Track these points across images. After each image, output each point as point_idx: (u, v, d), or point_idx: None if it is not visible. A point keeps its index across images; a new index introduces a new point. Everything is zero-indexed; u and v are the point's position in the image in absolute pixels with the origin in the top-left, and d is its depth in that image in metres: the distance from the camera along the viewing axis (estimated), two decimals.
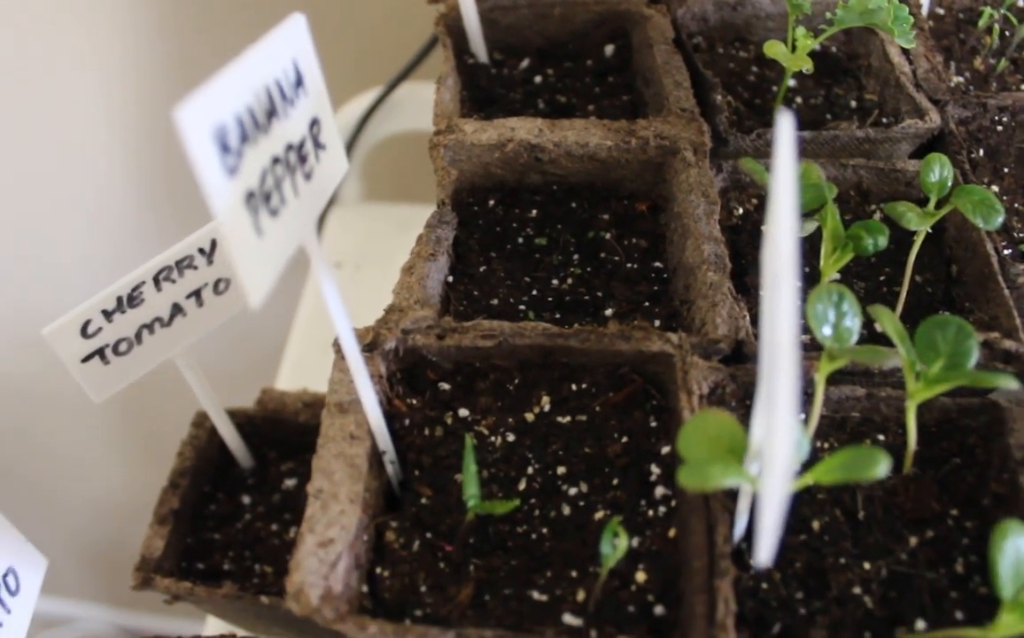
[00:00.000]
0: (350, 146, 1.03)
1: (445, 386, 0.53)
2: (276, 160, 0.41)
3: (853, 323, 0.45)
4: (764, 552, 0.35)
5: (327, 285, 0.44)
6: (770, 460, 0.33)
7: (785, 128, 0.32)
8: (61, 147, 1.35)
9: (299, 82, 0.43)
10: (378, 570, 0.47)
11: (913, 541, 0.49)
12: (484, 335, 0.52)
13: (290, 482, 0.76)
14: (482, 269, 0.59)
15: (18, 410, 1.80)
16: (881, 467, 0.38)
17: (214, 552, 0.73)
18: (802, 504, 0.49)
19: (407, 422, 0.51)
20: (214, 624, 0.88)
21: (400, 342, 0.52)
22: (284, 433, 0.77)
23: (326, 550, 0.44)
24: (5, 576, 0.56)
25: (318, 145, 0.44)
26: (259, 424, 0.77)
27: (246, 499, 0.76)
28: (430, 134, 0.98)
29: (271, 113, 0.41)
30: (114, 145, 1.31)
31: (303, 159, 0.43)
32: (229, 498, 0.76)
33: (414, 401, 0.52)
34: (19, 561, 0.56)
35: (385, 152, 1.04)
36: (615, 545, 0.44)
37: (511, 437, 0.51)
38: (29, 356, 1.64)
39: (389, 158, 1.04)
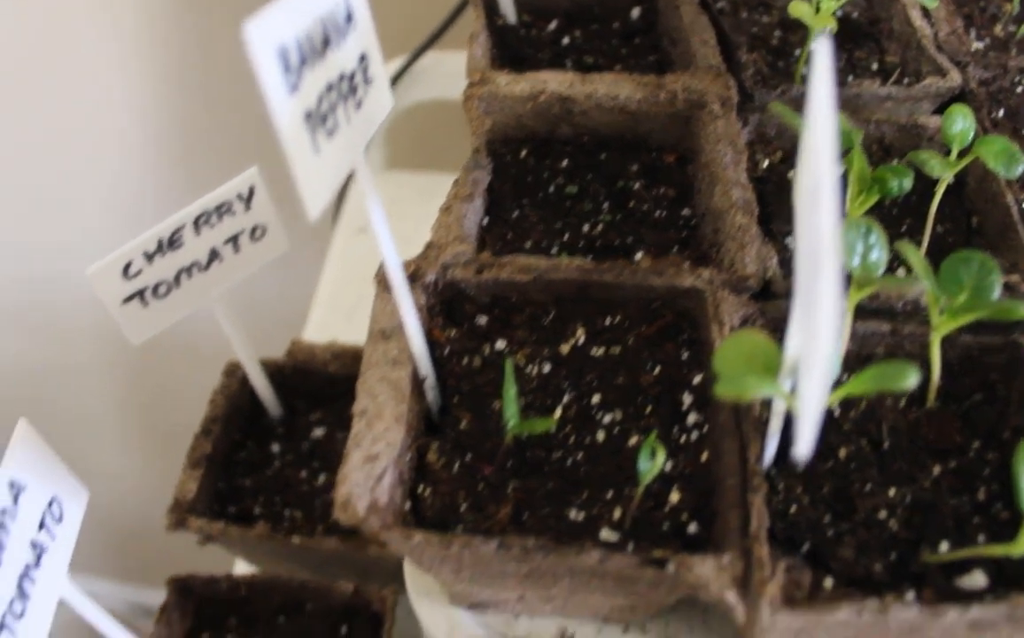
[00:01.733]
0: None
1: (482, 319, 0.55)
2: (330, 86, 0.42)
3: (880, 256, 0.47)
4: (804, 445, 0.37)
5: (375, 211, 0.46)
6: (813, 350, 0.34)
7: (823, 43, 0.34)
8: (85, 106, 1.36)
9: (349, 18, 0.45)
10: (420, 489, 0.49)
11: (936, 470, 0.50)
12: (521, 269, 0.54)
13: (319, 431, 0.78)
14: (515, 214, 0.61)
15: (33, 381, 1.82)
16: (911, 379, 0.40)
17: (245, 497, 0.75)
18: (829, 433, 0.51)
19: (446, 351, 0.53)
20: (242, 569, 0.90)
21: (439, 275, 0.54)
22: (313, 384, 0.79)
23: (372, 464, 0.46)
24: (51, 504, 0.58)
25: (367, 79, 0.46)
26: (288, 374, 0.79)
27: (275, 447, 0.78)
28: (455, 103, 1.00)
29: (326, 42, 0.42)
30: (135, 105, 1.32)
31: (354, 89, 0.45)
32: (259, 446, 0.78)
33: (452, 332, 0.54)
34: (63, 491, 0.58)
35: (409, 121, 1.06)
36: (653, 460, 0.46)
37: (547, 368, 0.53)
38: (50, 320, 1.65)
39: (413, 127, 1.06)
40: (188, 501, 0.72)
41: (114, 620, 0.61)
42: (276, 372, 0.78)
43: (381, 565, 0.70)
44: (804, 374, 0.36)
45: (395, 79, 1.02)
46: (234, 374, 0.78)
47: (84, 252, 1.53)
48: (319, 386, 0.79)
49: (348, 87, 0.44)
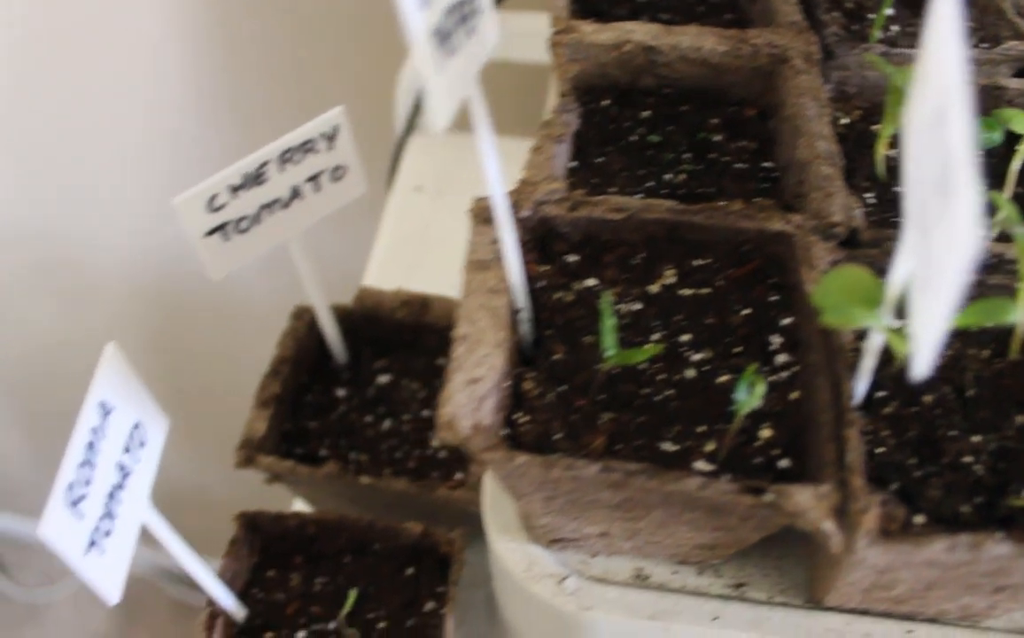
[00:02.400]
0: None
1: (572, 258, 0.56)
2: (451, 8, 0.43)
3: None
4: (923, 365, 0.37)
5: (484, 136, 0.47)
6: (944, 267, 0.35)
7: None
8: (119, 59, 1.37)
9: None
10: (516, 416, 0.50)
11: (1020, 420, 0.51)
12: (613, 208, 0.55)
13: (384, 378, 0.79)
14: (599, 160, 0.61)
15: (61, 339, 1.82)
16: (1013, 314, 0.41)
17: (310, 439, 0.76)
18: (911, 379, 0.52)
19: (540, 285, 0.54)
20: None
21: (533, 212, 0.55)
22: (379, 331, 0.80)
23: (474, 387, 0.47)
24: (135, 428, 0.59)
25: (478, 8, 0.47)
26: (356, 320, 0.80)
27: (341, 392, 0.79)
28: (515, 64, 1.01)
29: None
30: (175, 60, 1.33)
31: (469, 15, 0.46)
32: (325, 390, 0.79)
33: (544, 269, 0.55)
34: (146, 417, 0.59)
35: None
36: (751, 393, 0.47)
37: (637, 306, 0.54)
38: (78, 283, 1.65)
39: None
40: (257, 440, 0.73)
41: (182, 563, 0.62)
42: (344, 318, 0.79)
43: (448, 509, 0.71)
44: (925, 295, 0.37)
45: None
46: (302, 318, 0.79)
47: (115, 208, 1.54)
48: (385, 333, 0.81)
49: (465, 12, 0.45)
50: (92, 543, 0.55)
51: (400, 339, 0.81)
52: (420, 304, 0.79)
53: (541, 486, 0.49)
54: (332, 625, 0.71)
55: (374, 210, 1.16)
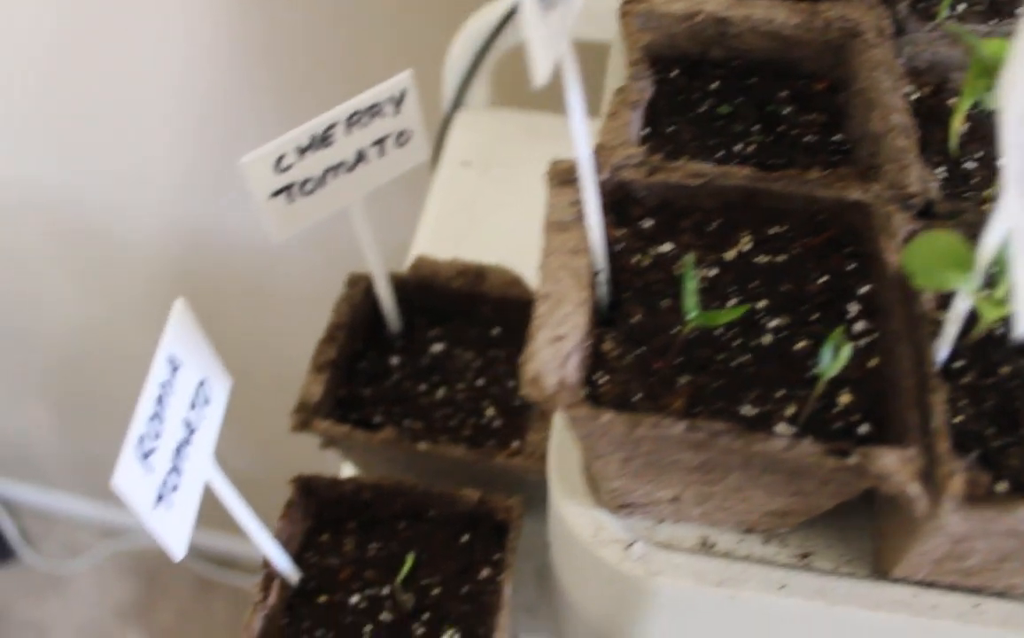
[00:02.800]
0: (483, 51, 1.05)
1: (648, 223, 0.56)
2: None
3: None
4: None
5: (574, 95, 0.47)
6: None
7: None
8: (153, 30, 1.37)
9: None
10: (596, 376, 0.50)
11: None
12: (691, 174, 0.55)
13: (437, 347, 0.79)
14: (670, 129, 0.61)
15: (90, 311, 1.83)
16: None
17: (365, 405, 0.76)
18: (990, 351, 0.52)
19: (617, 248, 0.54)
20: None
21: (610, 176, 0.55)
22: (434, 300, 0.80)
23: (558, 344, 0.47)
24: (201, 385, 0.59)
25: None
26: (411, 289, 0.80)
27: (395, 360, 0.79)
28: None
29: None
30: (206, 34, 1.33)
31: None
32: (378, 358, 0.79)
33: (620, 233, 0.55)
34: (211, 375, 0.60)
35: (515, 59, 1.06)
36: (837, 354, 0.47)
37: (713, 272, 0.54)
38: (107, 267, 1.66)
39: (518, 64, 1.07)
40: (312, 404, 0.74)
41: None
42: (399, 286, 0.80)
43: (503, 477, 0.72)
44: None
45: (507, 16, 1.03)
46: (357, 285, 0.80)
47: (142, 180, 1.54)
48: (440, 302, 0.81)
49: None
50: (160, 497, 0.55)
51: (454, 309, 0.81)
52: (476, 274, 0.79)
53: (621, 446, 0.49)
54: (386, 590, 0.71)
55: (416, 186, 1.16)
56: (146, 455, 0.54)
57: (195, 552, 2.44)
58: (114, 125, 1.53)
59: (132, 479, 0.52)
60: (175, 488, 0.57)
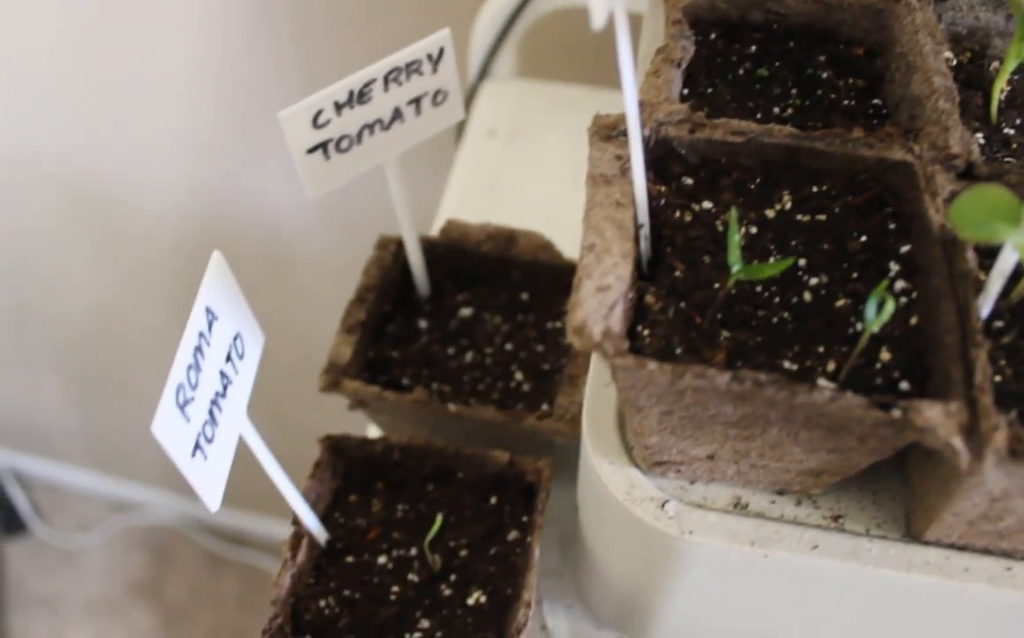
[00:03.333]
0: (511, 21, 1.05)
1: (689, 180, 0.56)
2: None
3: None
4: None
5: (624, 46, 0.47)
6: None
7: None
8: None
9: None
10: (639, 328, 0.50)
11: None
12: (734, 132, 0.55)
13: (466, 311, 0.80)
14: (709, 91, 0.61)
15: (106, 286, 1.83)
16: None
17: (393, 367, 0.76)
18: None
19: (659, 204, 0.54)
20: None
21: (653, 132, 0.55)
22: (463, 264, 0.80)
23: (604, 294, 0.47)
24: (235, 339, 0.59)
25: None
26: (440, 253, 0.80)
27: (423, 323, 0.79)
28: (588, 12, 1.01)
29: None
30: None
31: None
32: (407, 321, 0.79)
33: (662, 188, 0.55)
34: (245, 329, 0.60)
35: (541, 29, 1.07)
36: (881, 308, 0.47)
37: (753, 230, 0.54)
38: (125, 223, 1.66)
39: (544, 36, 1.07)
40: (342, 365, 0.74)
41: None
42: (428, 249, 0.80)
43: (532, 440, 0.72)
44: None
45: None
46: (387, 247, 0.80)
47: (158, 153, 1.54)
48: (469, 266, 0.81)
49: None
50: (197, 447, 0.55)
51: (483, 273, 0.81)
52: (507, 238, 0.79)
53: (662, 398, 0.49)
54: (413, 551, 0.72)
55: (440, 157, 1.16)
56: (184, 404, 0.54)
57: (205, 528, 2.45)
58: (131, 97, 1.53)
59: (171, 427, 0.52)
60: (210, 440, 0.57)
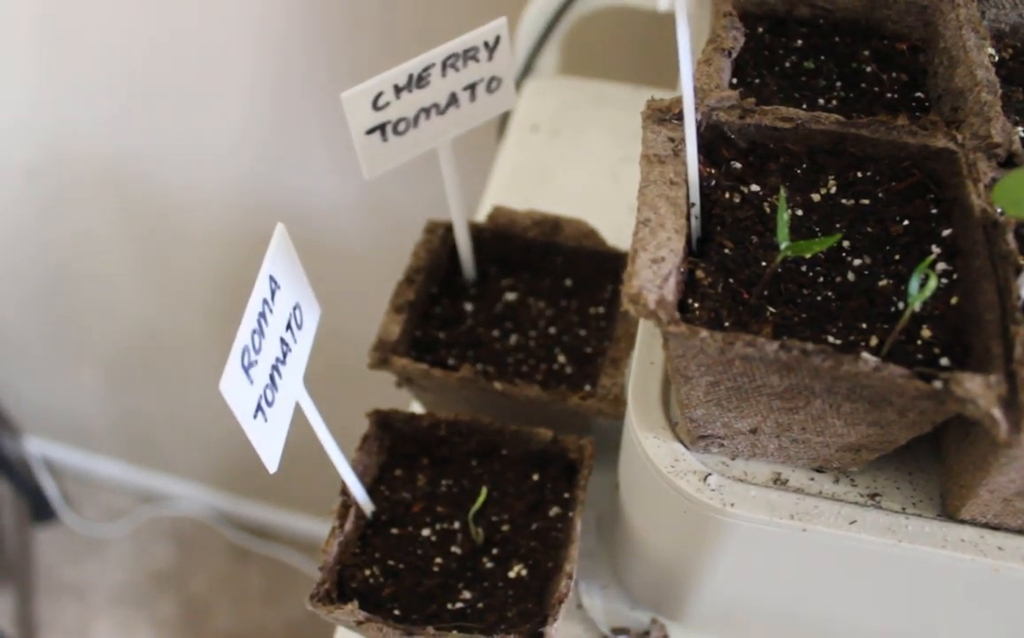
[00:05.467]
0: (556, 19, 1.08)
1: (737, 164, 0.58)
2: None
3: None
4: None
5: (682, 32, 0.49)
6: None
7: None
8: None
9: None
10: (689, 301, 0.52)
11: None
12: (782, 118, 0.57)
13: (511, 296, 0.82)
14: (756, 81, 0.64)
15: (148, 282, 1.86)
16: None
17: (439, 348, 0.79)
18: None
19: (710, 184, 0.56)
20: None
21: (704, 116, 0.57)
22: (509, 249, 0.82)
23: (658, 266, 0.50)
24: (295, 309, 0.61)
25: None
26: (487, 238, 0.82)
27: (468, 306, 0.81)
28: (634, 11, 1.03)
29: None
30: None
31: None
32: (452, 303, 0.81)
33: (712, 171, 0.57)
34: (304, 300, 0.62)
35: (585, 28, 1.09)
36: (925, 284, 0.49)
37: (799, 212, 0.56)
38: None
39: (587, 34, 1.09)
40: (391, 343, 0.76)
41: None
42: (475, 234, 0.82)
43: (575, 419, 0.74)
44: None
45: None
46: (435, 231, 0.82)
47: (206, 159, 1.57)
48: (515, 252, 0.83)
49: None
50: (258, 408, 0.57)
51: (528, 259, 0.83)
52: (552, 225, 0.81)
53: (711, 368, 0.51)
54: (456, 525, 0.74)
55: (482, 152, 1.19)
56: (248, 367, 0.56)
57: (230, 521, 2.48)
58: (180, 100, 1.56)
59: (237, 386, 0.55)
60: (270, 403, 0.59)
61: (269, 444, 0.59)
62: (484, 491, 0.72)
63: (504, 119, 1.14)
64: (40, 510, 2.47)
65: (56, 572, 2.46)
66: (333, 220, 1.60)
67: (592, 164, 1.07)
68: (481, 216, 1.02)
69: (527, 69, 1.13)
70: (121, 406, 2.36)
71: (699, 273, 0.53)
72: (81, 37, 1.51)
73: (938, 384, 0.47)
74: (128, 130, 1.63)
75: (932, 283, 0.49)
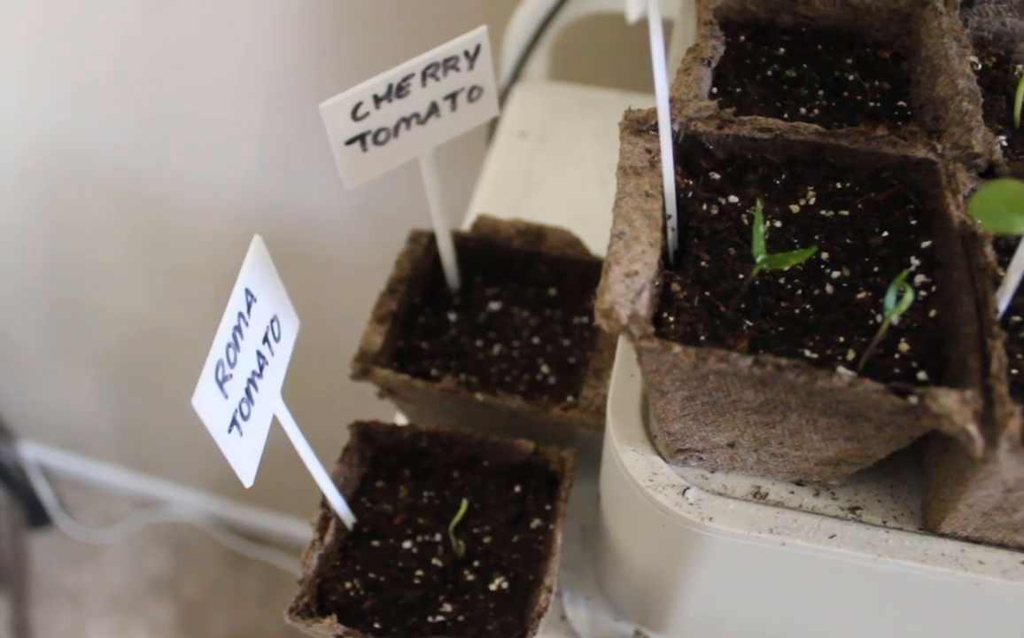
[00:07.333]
0: (544, 24, 1.07)
1: (716, 175, 0.58)
2: None
3: None
4: None
5: (656, 43, 0.48)
6: None
7: None
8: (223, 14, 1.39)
9: None
10: (664, 315, 0.52)
11: None
12: (761, 128, 0.57)
13: (494, 305, 0.81)
14: (738, 90, 0.63)
15: (145, 287, 1.85)
16: None
17: (422, 358, 0.78)
18: None
19: (686, 197, 0.56)
20: None
21: (682, 127, 0.57)
22: (493, 258, 0.82)
23: (631, 280, 0.49)
24: (273, 321, 0.61)
25: None
26: (471, 247, 0.82)
27: (452, 316, 0.81)
28: (622, 16, 1.03)
29: None
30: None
31: None
32: (437, 313, 0.81)
33: (689, 182, 0.57)
34: (281, 313, 0.62)
35: (573, 34, 1.08)
36: (900, 298, 0.48)
37: (778, 224, 0.56)
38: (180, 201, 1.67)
39: (576, 40, 1.09)
40: (373, 353, 0.76)
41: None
42: (459, 243, 0.81)
43: (557, 430, 0.73)
44: None
45: None
46: (418, 241, 0.82)
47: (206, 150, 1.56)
48: (498, 261, 0.82)
49: None
50: (233, 422, 0.57)
51: (512, 268, 0.83)
52: (536, 234, 0.81)
53: (686, 382, 0.50)
54: (438, 537, 0.73)
55: (470, 159, 1.18)
56: (222, 381, 0.56)
57: (226, 526, 2.47)
58: (181, 98, 1.56)
59: (210, 401, 0.54)
60: (246, 417, 0.59)
61: (244, 458, 0.59)
62: (464, 503, 0.72)
63: (494, 124, 1.14)
64: (35, 515, 2.46)
65: (51, 577, 2.45)
66: (333, 225, 1.59)
67: (581, 170, 1.06)
68: (469, 222, 1.02)
69: (516, 75, 1.12)
70: (116, 411, 2.35)
71: (675, 286, 0.53)
72: (77, 39, 1.51)
73: (913, 399, 0.46)
74: (124, 134, 1.63)
75: (908, 297, 0.48)
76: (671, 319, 0.52)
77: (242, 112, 1.51)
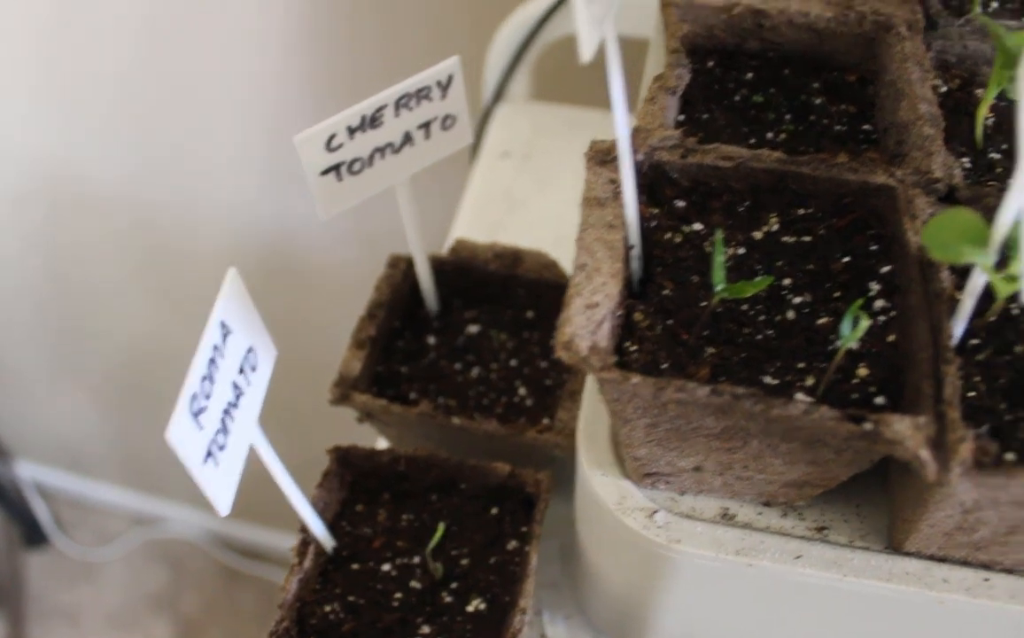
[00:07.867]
0: (527, 44, 1.08)
1: (680, 203, 0.59)
2: None
3: None
4: None
5: (615, 76, 0.49)
6: None
7: None
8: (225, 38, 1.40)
9: None
10: (626, 345, 0.52)
11: None
12: (724, 156, 0.58)
13: (473, 328, 0.82)
14: (705, 116, 0.64)
15: (142, 306, 1.86)
16: None
17: (401, 382, 0.79)
18: (1006, 331, 0.54)
19: (651, 225, 0.57)
20: None
21: (646, 157, 0.58)
22: (471, 282, 0.83)
23: (592, 311, 0.50)
24: (249, 352, 0.62)
25: None
26: (449, 271, 0.82)
27: (431, 340, 0.82)
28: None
29: None
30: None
31: None
32: (415, 337, 0.82)
33: (653, 211, 0.58)
34: (258, 343, 0.62)
35: (556, 53, 1.09)
36: (856, 325, 0.49)
37: (741, 251, 0.57)
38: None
39: (558, 59, 1.10)
40: (351, 378, 0.76)
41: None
42: (438, 267, 0.82)
43: (534, 453, 0.74)
44: None
45: (550, 10, 1.06)
46: (397, 266, 0.82)
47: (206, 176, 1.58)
48: (477, 284, 0.83)
49: None
50: (209, 454, 0.58)
51: (490, 291, 0.83)
52: (513, 257, 0.82)
53: (647, 411, 0.51)
54: (416, 559, 0.74)
55: (453, 178, 1.19)
56: (197, 413, 0.57)
57: (222, 542, 2.48)
58: (180, 124, 1.57)
59: (184, 433, 0.55)
60: (222, 448, 0.59)
61: (220, 489, 0.59)
62: (441, 526, 0.73)
63: (477, 144, 1.14)
64: (31, 534, 2.47)
65: (48, 596, 2.46)
66: (327, 246, 1.60)
67: (563, 189, 1.07)
68: (452, 241, 1.03)
69: (498, 95, 1.13)
70: (112, 429, 2.36)
71: (638, 315, 0.54)
72: (77, 65, 1.52)
73: (868, 426, 0.47)
74: (123, 158, 1.64)
75: (864, 324, 0.49)
76: (633, 348, 0.52)
77: (240, 138, 1.52)
